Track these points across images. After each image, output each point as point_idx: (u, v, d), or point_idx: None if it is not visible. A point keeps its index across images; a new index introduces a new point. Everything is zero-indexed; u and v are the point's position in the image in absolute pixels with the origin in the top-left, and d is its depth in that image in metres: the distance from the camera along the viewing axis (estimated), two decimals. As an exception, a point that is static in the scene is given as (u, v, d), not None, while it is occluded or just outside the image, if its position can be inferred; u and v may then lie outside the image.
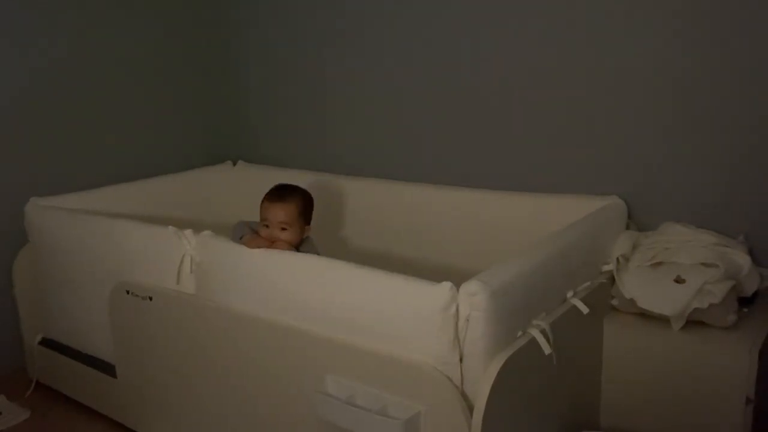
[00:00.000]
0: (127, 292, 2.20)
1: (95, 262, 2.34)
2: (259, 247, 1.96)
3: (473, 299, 1.56)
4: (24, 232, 2.64)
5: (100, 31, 3.02)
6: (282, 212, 2.03)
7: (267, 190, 3.15)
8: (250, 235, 2.04)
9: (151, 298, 2.14)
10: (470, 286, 1.57)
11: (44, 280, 2.58)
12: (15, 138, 2.78)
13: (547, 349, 1.68)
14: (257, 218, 3.16)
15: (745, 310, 2.04)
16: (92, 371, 2.42)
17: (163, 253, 2.13)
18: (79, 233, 2.42)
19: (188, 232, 2.10)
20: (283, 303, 1.85)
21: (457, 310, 1.58)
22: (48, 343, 2.61)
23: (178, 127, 3.37)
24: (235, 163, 3.38)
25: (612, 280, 2.11)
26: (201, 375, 2.05)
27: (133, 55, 3.15)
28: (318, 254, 2.03)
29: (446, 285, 1.59)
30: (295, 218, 2.04)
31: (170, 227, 2.14)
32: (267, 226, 2.06)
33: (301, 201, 2.09)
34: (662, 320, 2.00)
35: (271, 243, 2.00)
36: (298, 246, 2.10)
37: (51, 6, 2.85)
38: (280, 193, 2.08)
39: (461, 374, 1.60)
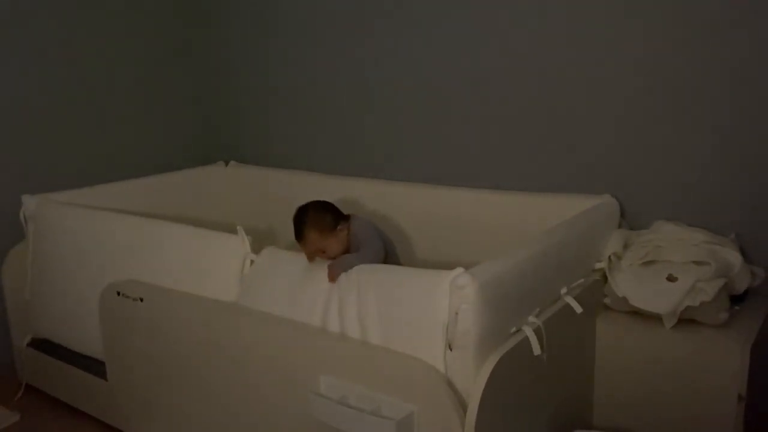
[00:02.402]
0: (118, 294, 2.19)
1: (104, 260, 2.34)
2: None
3: (462, 292, 1.57)
4: (13, 233, 2.62)
5: (94, 32, 3.02)
6: (308, 246, 2.02)
7: (259, 190, 3.20)
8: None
9: (142, 300, 2.13)
10: (459, 279, 1.57)
11: (41, 278, 2.54)
12: (6, 137, 2.76)
13: (537, 350, 1.68)
14: (250, 218, 3.18)
15: (737, 307, 2.05)
16: (82, 374, 2.40)
17: (222, 256, 2.13)
18: (94, 230, 2.41)
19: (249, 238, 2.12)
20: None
21: (449, 303, 1.60)
22: (38, 344, 2.59)
23: (170, 128, 3.36)
24: (227, 164, 3.37)
25: (604, 278, 2.12)
26: (192, 377, 2.04)
27: (125, 55, 3.15)
28: (371, 235, 2.05)
29: (458, 270, 1.60)
30: (321, 240, 2.00)
31: (239, 228, 2.13)
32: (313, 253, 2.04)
33: (314, 225, 2.02)
34: (654, 318, 2.00)
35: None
36: (348, 245, 2.08)
37: (50, 8, 2.84)
38: (296, 230, 2.05)
39: (453, 368, 1.60)
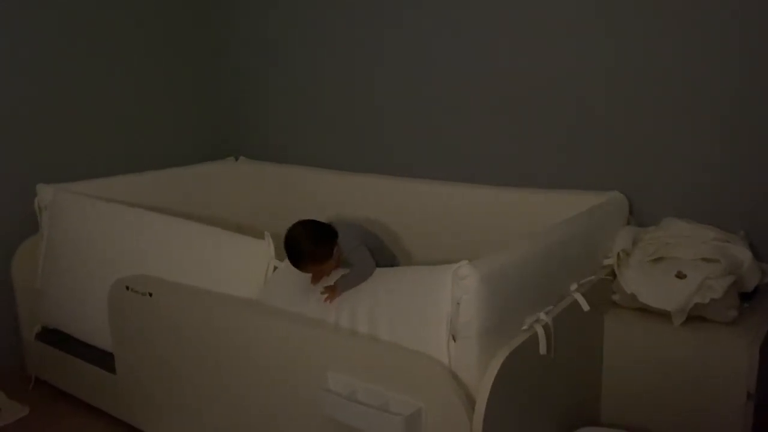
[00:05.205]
0: (127, 288, 2.20)
1: (119, 253, 2.34)
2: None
3: (463, 283, 1.57)
4: (23, 227, 2.64)
5: (106, 29, 3.03)
6: (307, 273, 2.00)
7: (268, 186, 3.21)
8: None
9: (151, 294, 2.13)
10: (461, 270, 1.58)
11: (53, 267, 2.53)
12: (18, 131, 2.78)
13: (543, 349, 1.68)
14: (258, 213, 3.18)
15: (746, 305, 2.04)
16: (91, 367, 2.41)
17: (246, 259, 2.16)
18: (112, 223, 2.42)
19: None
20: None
21: (451, 295, 1.61)
22: (47, 334, 2.60)
23: (180, 123, 3.38)
24: (236, 159, 3.37)
25: (613, 275, 2.11)
26: (200, 371, 2.05)
27: (137, 51, 3.16)
28: (357, 248, 1.97)
29: (461, 262, 1.60)
30: (316, 266, 1.97)
31: (266, 234, 2.16)
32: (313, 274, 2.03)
33: (308, 257, 1.95)
34: (663, 315, 2.00)
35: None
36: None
37: (63, 3, 2.87)
38: (291, 261, 1.98)
39: (457, 361, 1.61)
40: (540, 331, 1.68)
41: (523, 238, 1.88)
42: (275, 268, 2.11)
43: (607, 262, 2.13)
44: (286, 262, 2.04)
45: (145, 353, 2.20)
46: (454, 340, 1.61)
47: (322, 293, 1.89)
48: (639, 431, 2.02)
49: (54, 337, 2.58)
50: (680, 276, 1.98)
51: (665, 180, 2.30)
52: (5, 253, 2.66)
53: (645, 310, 2.05)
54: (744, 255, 2.03)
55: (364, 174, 2.94)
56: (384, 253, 2.15)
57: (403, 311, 1.72)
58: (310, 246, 1.94)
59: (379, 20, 2.87)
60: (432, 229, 2.65)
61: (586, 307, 1.85)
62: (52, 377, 2.62)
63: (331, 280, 1.94)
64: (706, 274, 1.94)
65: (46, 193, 2.57)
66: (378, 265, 1.92)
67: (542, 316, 1.72)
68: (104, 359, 2.36)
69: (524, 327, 1.69)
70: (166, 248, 2.28)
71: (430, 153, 2.83)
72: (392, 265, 2.03)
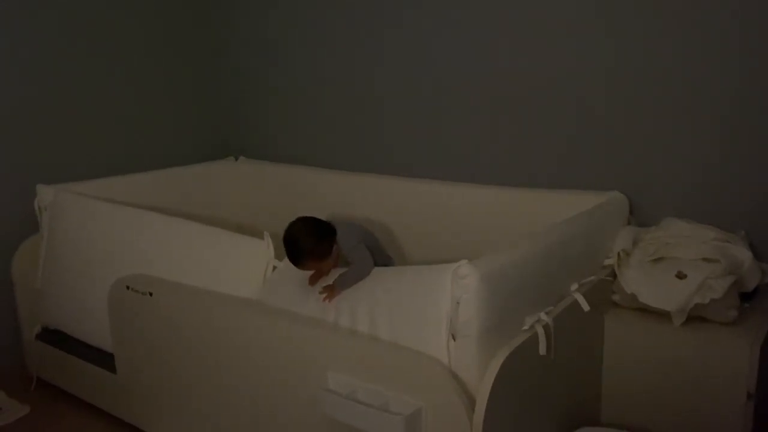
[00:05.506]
0: (127, 288, 2.20)
1: (119, 253, 2.34)
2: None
3: (463, 282, 1.57)
4: (23, 227, 2.64)
5: (108, 29, 3.03)
6: (306, 270, 2.00)
7: (268, 186, 3.21)
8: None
9: (151, 294, 2.13)
10: (461, 270, 1.58)
11: (54, 267, 2.53)
12: (18, 131, 2.78)
13: (543, 349, 1.68)
14: (258, 213, 3.18)
15: (746, 305, 2.04)
16: (91, 367, 2.41)
17: (245, 259, 2.16)
18: (113, 224, 2.43)
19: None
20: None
21: (451, 294, 1.61)
22: (48, 335, 2.60)
23: (180, 123, 3.38)
24: (236, 159, 3.38)
25: (613, 275, 2.11)
26: (201, 371, 2.05)
27: (137, 51, 3.16)
28: (356, 246, 1.98)
29: (460, 262, 1.60)
30: (316, 263, 1.97)
31: (265, 234, 2.16)
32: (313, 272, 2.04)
33: (308, 253, 1.95)
34: (663, 315, 2.00)
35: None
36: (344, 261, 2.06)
37: (63, 3, 2.87)
38: (290, 258, 1.98)
39: (457, 360, 1.61)
40: (540, 331, 1.68)
41: (523, 238, 1.88)
42: (274, 267, 2.12)
43: (607, 262, 2.13)
44: (286, 262, 2.04)
45: (145, 353, 2.20)
46: (454, 340, 1.61)
47: (321, 293, 1.89)
48: (639, 431, 2.02)
49: (54, 337, 2.58)
50: (680, 276, 1.98)
51: (665, 180, 2.31)
52: (5, 253, 2.66)
53: (645, 310, 2.05)
54: (744, 255, 2.03)
55: (364, 174, 2.94)
56: (381, 254, 2.16)
57: (403, 311, 1.72)
58: (310, 242, 1.95)
59: (379, 20, 2.87)
60: (432, 229, 2.65)
61: (586, 307, 1.86)
62: (53, 377, 2.62)
63: (329, 280, 1.94)
64: (707, 274, 1.94)
65: (46, 193, 2.57)
66: (375, 265, 1.93)
67: (542, 316, 1.72)
68: (104, 359, 2.36)
69: (524, 327, 1.69)
70: (166, 248, 2.28)
71: (430, 153, 2.83)
72: (387, 266, 2.03)
